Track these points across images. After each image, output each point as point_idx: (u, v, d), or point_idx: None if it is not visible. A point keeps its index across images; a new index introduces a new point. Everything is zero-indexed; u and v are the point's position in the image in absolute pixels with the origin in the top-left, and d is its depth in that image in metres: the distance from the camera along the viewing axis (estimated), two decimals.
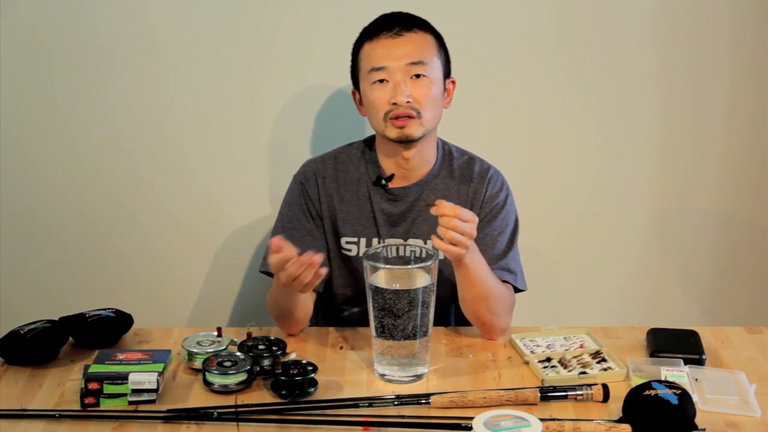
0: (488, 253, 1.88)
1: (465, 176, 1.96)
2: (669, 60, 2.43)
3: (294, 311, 1.83)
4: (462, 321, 2.00)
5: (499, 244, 1.91)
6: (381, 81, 1.83)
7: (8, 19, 2.28)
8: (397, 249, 1.74)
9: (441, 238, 1.67)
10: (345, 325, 1.95)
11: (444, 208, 1.66)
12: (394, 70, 1.82)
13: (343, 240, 1.95)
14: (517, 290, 1.92)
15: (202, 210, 2.47)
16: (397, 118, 1.83)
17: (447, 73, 1.92)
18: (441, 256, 1.77)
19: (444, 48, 1.91)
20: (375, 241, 1.94)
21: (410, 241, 1.92)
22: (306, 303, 1.85)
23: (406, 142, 1.86)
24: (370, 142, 1.99)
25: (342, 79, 2.34)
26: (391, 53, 1.83)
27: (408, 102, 1.81)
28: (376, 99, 1.84)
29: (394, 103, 1.82)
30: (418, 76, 1.83)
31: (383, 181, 1.92)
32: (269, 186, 2.44)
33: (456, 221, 1.65)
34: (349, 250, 1.95)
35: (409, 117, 1.83)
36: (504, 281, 1.88)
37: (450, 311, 2.03)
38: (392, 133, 1.84)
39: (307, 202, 1.95)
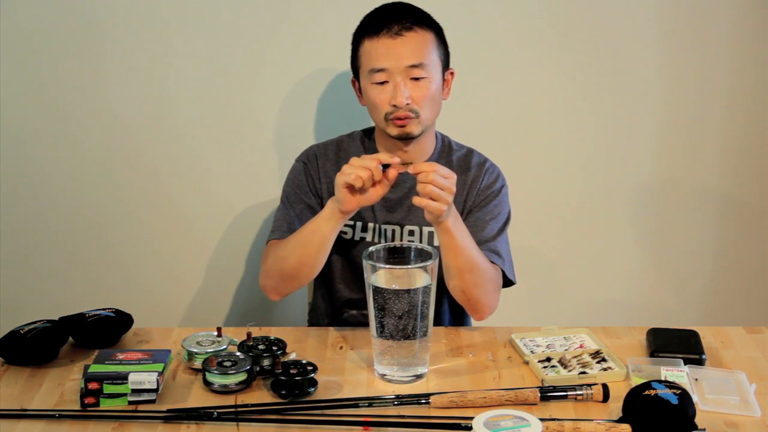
0: (477, 235, 1.90)
1: (463, 166, 1.99)
2: (669, 62, 2.43)
3: (319, 253, 1.83)
4: (458, 319, 2.00)
5: (489, 228, 1.94)
6: (381, 83, 1.86)
7: (8, 19, 2.28)
8: (396, 248, 1.74)
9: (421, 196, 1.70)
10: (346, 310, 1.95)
11: (421, 165, 1.70)
12: (394, 72, 1.85)
13: None
14: (507, 283, 1.93)
15: (203, 210, 2.47)
16: (397, 119, 1.86)
17: (446, 66, 1.94)
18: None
19: (443, 42, 1.93)
20: (370, 225, 1.96)
21: (407, 228, 1.95)
22: (329, 249, 1.85)
23: (406, 139, 1.89)
24: (369, 132, 2.04)
25: (345, 73, 2.34)
26: (391, 54, 1.85)
27: (407, 104, 1.85)
28: (376, 98, 1.88)
29: (394, 105, 1.85)
30: (417, 78, 1.85)
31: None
32: (270, 186, 2.44)
33: (434, 175, 1.68)
34: (345, 233, 1.98)
35: (408, 117, 1.85)
36: (492, 263, 1.89)
37: (443, 306, 2.03)
38: (393, 131, 1.89)
39: (308, 180, 2.00)
